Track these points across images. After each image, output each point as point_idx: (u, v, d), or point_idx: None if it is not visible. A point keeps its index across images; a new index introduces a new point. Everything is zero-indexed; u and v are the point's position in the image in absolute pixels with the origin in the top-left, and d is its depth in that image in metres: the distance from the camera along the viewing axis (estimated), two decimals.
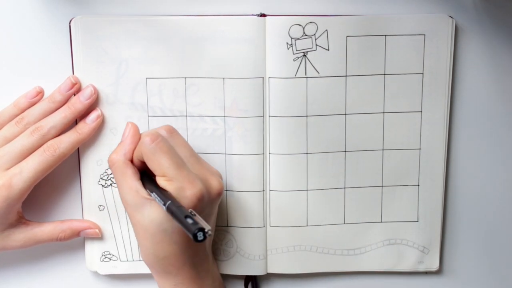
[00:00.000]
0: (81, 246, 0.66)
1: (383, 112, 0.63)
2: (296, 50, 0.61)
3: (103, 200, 0.64)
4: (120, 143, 0.59)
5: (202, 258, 0.60)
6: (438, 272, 0.67)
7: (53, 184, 0.65)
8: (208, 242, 0.62)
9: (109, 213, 0.65)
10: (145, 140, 0.56)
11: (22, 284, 0.67)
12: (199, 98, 0.62)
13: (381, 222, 0.65)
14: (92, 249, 0.65)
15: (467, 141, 0.64)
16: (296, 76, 0.62)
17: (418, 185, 0.64)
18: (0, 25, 0.62)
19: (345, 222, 0.65)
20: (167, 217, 0.55)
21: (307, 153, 0.63)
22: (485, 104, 0.64)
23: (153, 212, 0.56)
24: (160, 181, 0.56)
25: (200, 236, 0.50)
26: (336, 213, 0.65)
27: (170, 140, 0.58)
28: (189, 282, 0.58)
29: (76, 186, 0.65)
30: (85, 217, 0.65)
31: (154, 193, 0.55)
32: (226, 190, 0.64)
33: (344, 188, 0.64)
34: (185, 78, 0.62)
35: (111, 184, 0.64)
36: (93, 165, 0.64)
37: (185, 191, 0.55)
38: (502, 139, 0.65)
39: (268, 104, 0.62)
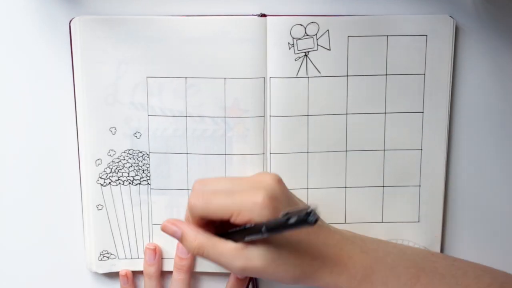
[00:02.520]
0: (80, 246, 0.66)
1: (385, 113, 0.63)
2: (298, 50, 0.61)
3: (102, 199, 0.64)
4: (181, 238, 0.57)
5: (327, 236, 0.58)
6: None
7: (53, 184, 0.65)
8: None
9: (107, 212, 0.65)
10: (191, 201, 0.56)
11: (22, 284, 0.67)
12: (199, 98, 0.62)
13: (382, 222, 0.65)
14: (91, 248, 0.65)
15: (468, 142, 0.64)
16: (298, 76, 0.61)
17: (419, 185, 0.64)
18: (0, 25, 0.62)
19: (346, 222, 0.65)
20: (271, 244, 0.54)
21: (308, 153, 0.63)
22: (486, 104, 0.64)
23: (255, 250, 0.55)
24: (236, 219, 0.54)
25: (311, 218, 0.47)
26: (337, 212, 0.65)
27: (206, 187, 0.57)
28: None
29: (75, 185, 0.65)
30: (84, 216, 0.65)
31: (246, 237, 0.54)
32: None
33: (345, 188, 0.64)
34: (185, 78, 0.62)
35: (109, 183, 0.64)
36: (92, 165, 0.64)
37: (255, 205, 0.54)
38: (503, 140, 0.65)
39: (269, 104, 0.62)
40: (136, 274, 0.67)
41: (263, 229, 0.52)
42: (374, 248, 0.59)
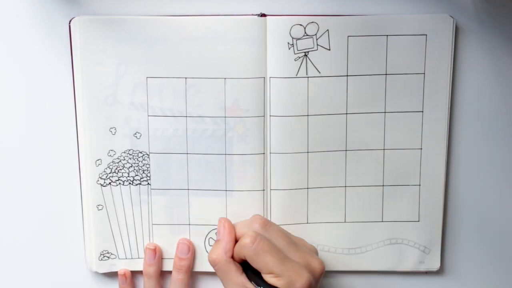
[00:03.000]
0: (80, 246, 0.66)
1: (384, 112, 0.63)
2: (297, 50, 0.61)
3: (102, 199, 0.64)
4: (217, 241, 0.61)
5: None
6: (439, 272, 0.67)
7: (53, 184, 0.65)
8: None
9: (107, 212, 0.65)
10: (246, 242, 0.58)
11: (22, 283, 0.67)
12: (199, 98, 0.62)
13: (382, 221, 0.65)
14: (91, 248, 0.65)
15: (468, 141, 0.64)
16: (297, 76, 0.61)
17: (419, 185, 0.64)
18: (0, 25, 0.62)
19: (346, 221, 0.65)
20: None
21: (308, 152, 0.63)
22: (486, 104, 0.64)
23: None
24: (268, 278, 0.57)
25: None
26: (337, 212, 0.65)
27: (266, 234, 0.59)
28: None
29: (75, 185, 0.65)
30: (84, 217, 0.65)
31: None
32: (226, 190, 0.64)
33: (345, 187, 0.64)
34: (185, 78, 0.62)
35: (110, 183, 0.64)
36: (92, 165, 0.64)
37: (295, 284, 0.56)
38: (503, 139, 0.65)
39: (269, 104, 0.62)
40: (136, 274, 0.67)
41: None
42: None
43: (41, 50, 0.62)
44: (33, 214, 0.66)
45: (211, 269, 0.66)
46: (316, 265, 0.59)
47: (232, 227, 0.61)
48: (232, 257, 0.60)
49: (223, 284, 0.60)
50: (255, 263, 0.58)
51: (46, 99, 0.63)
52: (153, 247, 0.65)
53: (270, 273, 0.57)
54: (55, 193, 0.65)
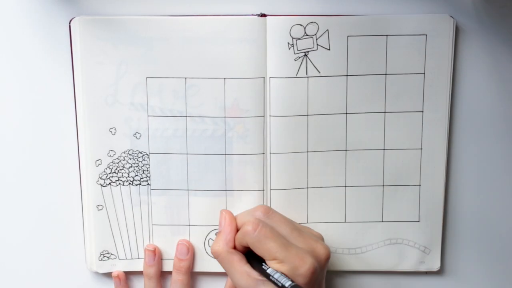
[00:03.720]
0: (80, 246, 0.66)
1: (384, 112, 0.63)
2: (297, 50, 0.61)
3: (102, 199, 0.64)
4: (219, 233, 0.61)
5: None
6: (439, 272, 0.67)
7: (53, 184, 0.65)
8: None
9: (107, 213, 0.65)
10: (248, 229, 0.58)
11: (22, 283, 0.67)
12: (199, 98, 0.62)
13: (382, 221, 0.65)
14: (91, 248, 0.65)
15: (468, 141, 0.64)
16: (297, 76, 0.61)
17: (419, 185, 0.64)
18: (0, 25, 0.62)
19: (346, 221, 0.65)
20: None
21: (307, 152, 0.63)
22: (486, 103, 0.64)
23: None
24: (272, 264, 0.57)
25: None
26: (337, 212, 0.65)
27: (268, 221, 0.59)
28: None
29: (76, 185, 0.65)
30: (84, 217, 0.65)
31: (272, 276, 0.56)
32: (226, 190, 0.64)
33: (345, 187, 0.64)
34: (185, 78, 0.62)
35: (109, 184, 0.64)
36: (92, 165, 0.64)
37: (299, 269, 0.56)
38: (503, 138, 0.65)
39: (269, 104, 0.62)
40: (136, 274, 0.67)
41: (291, 285, 0.55)
42: None
43: (41, 50, 0.62)
44: (33, 214, 0.66)
45: (211, 269, 0.66)
46: (320, 251, 0.59)
47: (233, 218, 0.61)
48: (235, 247, 0.60)
49: (228, 275, 0.59)
50: (258, 250, 0.57)
51: (46, 99, 0.63)
52: (152, 248, 0.65)
53: (273, 259, 0.57)
54: (55, 193, 0.65)
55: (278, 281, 0.55)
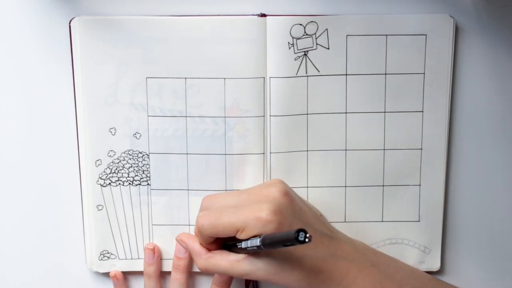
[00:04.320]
0: (80, 246, 0.66)
1: (384, 112, 0.63)
2: (297, 50, 0.61)
3: (102, 199, 0.64)
4: (192, 253, 0.61)
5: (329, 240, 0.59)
6: (440, 272, 0.67)
7: (53, 185, 0.65)
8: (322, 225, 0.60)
9: (107, 213, 0.65)
10: (197, 224, 0.58)
11: (22, 283, 0.67)
12: (199, 99, 0.62)
13: (382, 221, 0.65)
14: (91, 248, 0.65)
15: (468, 141, 0.64)
16: (297, 75, 0.62)
17: (420, 184, 0.64)
18: (0, 25, 0.62)
19: (346, 221, 0.65)
20: (274, 257, 0.55)
21: (307, 151, 0.63)
22: (486, 103, 0.64)
23: (258, 262, 0.56)
24: (240, 236, 0.56)
25: (301, 236, 0.48)
26: (337, 211, 0.65)
27: (210, 205, 0.59)
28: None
29: (75, 186, 0.65)
30: (84, 217, 0.65)
31: (247, 247, 0.55)
32: (226, 191, 0.64)
33: (345, 187, 0.64)
34: (185, 78, 0.62)
35: (109, 184, 0.64)
36: (92, 165, 0.64)
37: (260, 221, 0.54)
38: (503, 138, 0.65)
39: (269, 104, 0.62)
40: (136, 274, 0.67)
41: (259, 243, 0.53)
42: (386, 263, 0.60)
43: (41, 50, 0.62)
44: (33, 214, 0.66)
45: None
46: (272, 190, 0.57)
47: (185, 234, 0.62)
48: (208, 249, 0.60)
49: (227, 274, 0.59)
50: (219, 232, 0.56)
51: (46, 99, 0.63)
52: (152, 247, 0.65)
53: (236, 231, 0.56)
54: (55, 193, 0.65)
55: (252, 247, 0.54)
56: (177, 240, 0.63)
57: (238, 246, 0.57)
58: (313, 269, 0.57)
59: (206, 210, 0.59)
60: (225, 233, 0.56)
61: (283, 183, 0.59)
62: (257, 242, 0.53)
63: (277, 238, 0.51)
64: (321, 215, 0.62)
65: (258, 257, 0.56)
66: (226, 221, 0.56)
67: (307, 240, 0.48)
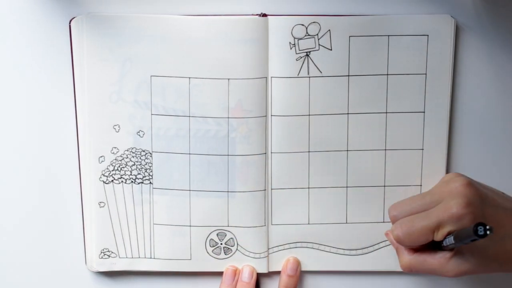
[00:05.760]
0: (80, 244, 0.66)
1: (386, 112, 0.63)
2: (299, 50, 0.61)
3: (104, 196, 0.64)
4: (397, 251, 0.61)
5: None
6: None
7: (54, 182, 0.65)
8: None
9: (109, 210, 0.65)
10: (393, 236, 0.58)
11: (22, 281, 0.67)
12: (202, 99, 0.62)
13: (383, 222, 0.65)
14: (91, 246, 0.65)
15: (469, 142, 0.64)
16: (299, 76, 0.62)
17: (421, 185, 0.64)
18: (0, 25, 0.62)
19: (347, 222, 0.65)
20: (477, 248, 0.56)
21: (309, 152, 0.63)
22: (487, 103, 0.64)
23: (462, 258, 0.57)
24: (439, 237, 0.56)
25: (480, 230, 0.49)
26: (338, 212, 0.65)
27: (401, 212, 0.59)
28: None
29: (74, 182, 0.65)
30: (85, 214, 0.65)
31: (449, 244, 0.56)
32: (228, 192, 0.64)
33: (346, 187, 0.64)
34: (189, 78, 0.62)
35: (112, 181, 0.64)
36: (95, 162, 0.64)
37: (453, 215, 0.55)
38: (503, 139, 0.64)
39: (271, 104, 0.62)
40: (136, 274, 0.66)
41: (452, 240, 0.54)
42: None
43: (42, 50, 0.63)
44: (33, 211, 0.66)
45: (211, 269, 0.66)
46: (456, 186, 0.57)
47: None
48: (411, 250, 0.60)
49: (437, 275, 0.59)
50: (415, 240, 0.57)
51: (46, 98, 0.64)
52: (234, 268, 0.66)
53: (432, 234, 0.56)
54: (56, 190, 0.65)
55: (462, 241, 0.54)
56: (385, 234, 0.63)
57: (443, 244, 0.57)
58: None
59: (397, 222, 0.58)
60: (421, 239, 0.57)
61: (462, 175, 0.59)
62: (451, 240, 0.54)
63: (461, 236, 0.53)
64: (503, 193, 0.61)
65: (462, 253, 0.56)
66: (420, 226, 0.56)
67: (488, 232, 0.49)
